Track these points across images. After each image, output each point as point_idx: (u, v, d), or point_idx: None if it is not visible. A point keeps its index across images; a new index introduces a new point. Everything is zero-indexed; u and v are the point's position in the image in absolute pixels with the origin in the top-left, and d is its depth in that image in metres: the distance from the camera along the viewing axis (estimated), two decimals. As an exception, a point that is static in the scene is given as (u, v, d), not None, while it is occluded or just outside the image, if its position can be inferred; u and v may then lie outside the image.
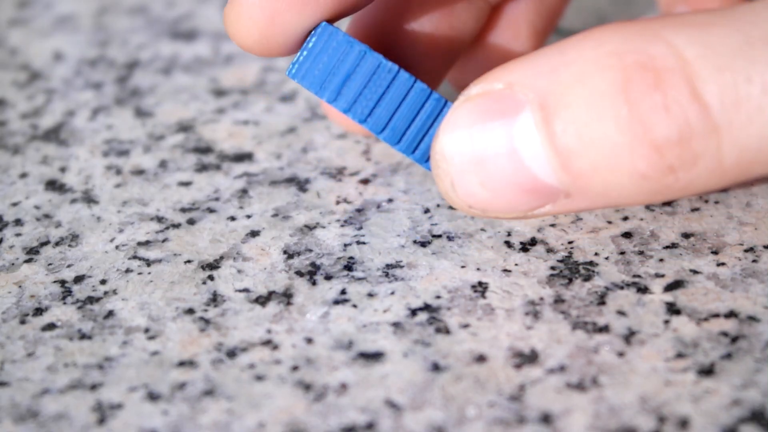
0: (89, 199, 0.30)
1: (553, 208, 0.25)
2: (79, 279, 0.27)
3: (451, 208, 0.29)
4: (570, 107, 0.23)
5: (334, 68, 0.26)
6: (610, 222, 0.28)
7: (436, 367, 0.24)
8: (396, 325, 0.25)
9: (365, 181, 0.30)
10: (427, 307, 0.26)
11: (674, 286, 0.26)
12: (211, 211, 0.29)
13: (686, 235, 0.27)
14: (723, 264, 0.26)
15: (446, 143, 0.25)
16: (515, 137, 0.24)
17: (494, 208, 0.25)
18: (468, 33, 0.31)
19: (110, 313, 0.26)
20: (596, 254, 0.27)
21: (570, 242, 0.27)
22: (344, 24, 0.31)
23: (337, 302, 0.26)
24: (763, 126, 0.22)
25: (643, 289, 0.26)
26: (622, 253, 0.27)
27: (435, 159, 0.25)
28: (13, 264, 0.28)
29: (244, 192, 0.30)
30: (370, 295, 0.26)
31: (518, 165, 0.24)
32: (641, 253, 0.27)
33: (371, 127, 0.26)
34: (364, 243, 0.28)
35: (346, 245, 0.28)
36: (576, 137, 0.23)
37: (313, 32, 0.26)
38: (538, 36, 0.32)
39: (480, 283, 0.26)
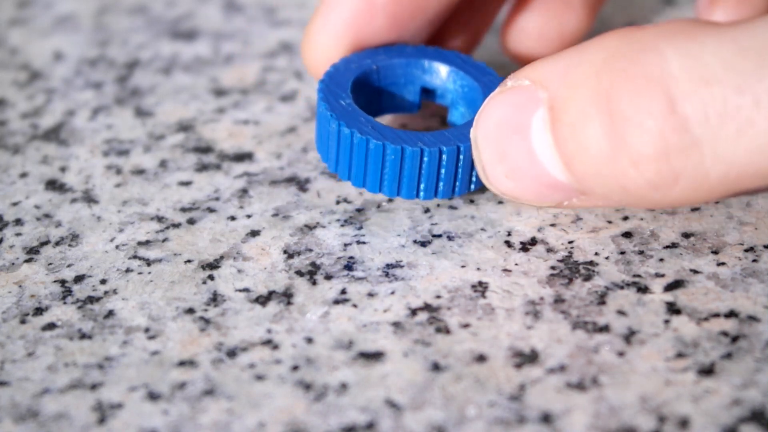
0: (89, 198, 0.30)
1: (578, 202, 0.25)
2: (79, 279, 0.27)
3: (451, 207, 0.29)
4: (569, 111, 0.23)
5: (338, 150, 0.27)
6: (610, 222, 0.28)
7: (436, 367, 0.24)
8: (396, 324, 0.25)
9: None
10: (427, 307, 0.26)
11: (674, 285, 0.26)
12: (211, 210, 0.29)
13: (686, 235, 0.27)
14: (723, 264, 0.26)
15: (478, 132, 0.25)
16: (532, 134, 0.24)
17: (523, 198, 0.25)
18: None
19: (110, 313, 0.26)
20: (596, 254, 0.27)
21: (570, 242, 0.27)
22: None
23: (337, 302, 0.26)
24: (754, 139, 0.21)
25: (643, 289, 0.26)
26: (623, 252, 0.27)
27: (472, 144, 0.26)
28: (13, 264, 0.28)
29: (244, 192, 0.30)
30: (370, 294, 0.26)
31: (534, 161, 0.24)
32: (641, 252, 0.27)
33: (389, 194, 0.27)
34: (364, 243, 0.28)
35: (346, 245, 0.28)
36: (574, 142, 0.23)
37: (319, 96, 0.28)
38: (591, 3, 0.32)
39: (480, 283, 0.26)
